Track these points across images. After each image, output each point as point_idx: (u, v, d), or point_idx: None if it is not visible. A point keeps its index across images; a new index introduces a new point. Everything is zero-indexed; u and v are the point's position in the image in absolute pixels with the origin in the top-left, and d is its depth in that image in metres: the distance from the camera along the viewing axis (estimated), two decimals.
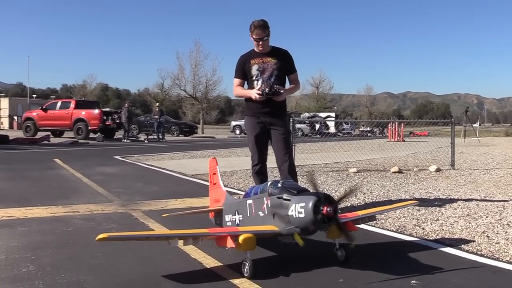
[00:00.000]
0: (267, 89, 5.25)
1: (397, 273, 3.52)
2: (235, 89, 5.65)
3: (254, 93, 5.32)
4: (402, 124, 32.70)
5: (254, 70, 5.44)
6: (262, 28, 5.34)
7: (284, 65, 5.52)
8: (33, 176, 9.85)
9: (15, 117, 50.54)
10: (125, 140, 26.31)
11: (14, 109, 52.91)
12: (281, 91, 5.34)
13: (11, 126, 50.82)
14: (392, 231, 5.04)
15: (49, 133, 27.43)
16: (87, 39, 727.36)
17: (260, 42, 5.38)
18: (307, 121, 35.94)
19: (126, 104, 28.46)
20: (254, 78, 5.45)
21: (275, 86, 5.30)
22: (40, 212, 5.98)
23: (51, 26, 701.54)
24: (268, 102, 5.35)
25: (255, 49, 5.50)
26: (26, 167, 11.62)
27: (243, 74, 5.54)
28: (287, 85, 5.63)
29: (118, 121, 28.24)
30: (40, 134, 26.99)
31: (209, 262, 3.84)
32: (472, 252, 4.22)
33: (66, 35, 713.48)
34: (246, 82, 5.60)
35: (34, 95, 75.98)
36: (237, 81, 5.61)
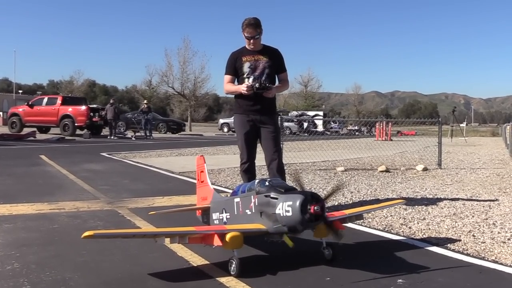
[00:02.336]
0: (257, 84, 5.24)
1: (383, 272, 3.53)
2: (225, 86, 5.62)
3: (241, 88, 5.31)
4: (390, 123, 32.86)
5: (246, 67, 5.42)
6: (254, 26, 5.33)
7: (275, 64, 5.52)
8: (19, 172, 9.75)
9: (1, 113, 50.10)
10: (112, 137, 26.17)
11: None
12: (271, 87, 5.34)
13: None
14: (379, 230, 5.06)
15: (35, 129, 27.24)
16: (75, 35, 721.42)
17: (252, 40, 5.37)
18: (295, 120, 35.97)
19: (111, 101, 28.25)
20: (245, 75, 5.43)
21: (264, 82, 5.30)
22: (25, 209, 5.93)
23: (38, 21, 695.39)
24: (258, 99, 5.35)
25: (247, 46, 5.49)
26: (11, 163, 11.51)
27: (234, 70, 5.52)
28: (277, 84, 5.63)
29: (105, 117, 28.07)
30: (26, 130, 26.73)
31: (196, 260, 3.83)
32: (458, 251, 4.25)
33: (53, 30, 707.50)
34: (236, 79, 5.58)
35: (20, 91, 75.46)
36: (228, 77, 5.58)
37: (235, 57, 5.52)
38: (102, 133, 29.15)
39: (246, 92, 5.27)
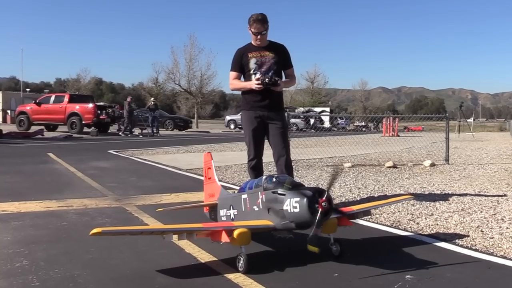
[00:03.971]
0: (266, 80, 5.23)
1: (391, 268, 3.53)
2: (231, 82, 5.60)
3: (253, 84, 5.29)
4: (397, 119, 32.77)
5: (252, 63, 5.41)
6: (261, 22, 5.31)
7: (282, 60, 5.50)
8: (27, 170, 9.80)
9: (9, 111, 50.18)
10: (121, 134, 26.37)
11: (7, 103, 52.53)
12: (280, 82, 5.33)
13: (4, 120, 50.47)
14: (387, 226, 5.04)
15: (42, 127, 27.30)
16: (81, 33, 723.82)
17: (259, 36, 5.36)
18: (302, 116, 35.95)
19: (128, 99, 28.43)
20: (251, 71, 5.42)
21: (274, 77, 5.29)
22: (33, 206, 5.95)
23: (45, 20, 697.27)
24: (266, 95, 5.34)
25: (253, 42, 5.47)
26: (19, 161, 11.56)
27: (240, 67, 5.50)
28: (283, 79, 5.62)
29: (113, 114, 28.22)
30: (33, 128, 26.85)
31: (204, 256, 3.83)
32: (467, 247, 4.23)
33: (60, 28, 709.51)
34: (242, 75, 5.56)
35: (28, 89, 75.56)
36: (234, 74, 5.56)
37: (241, 53, 5.50)
38: (109, 131, 29.25)
39: (258, 88, 5.25)
